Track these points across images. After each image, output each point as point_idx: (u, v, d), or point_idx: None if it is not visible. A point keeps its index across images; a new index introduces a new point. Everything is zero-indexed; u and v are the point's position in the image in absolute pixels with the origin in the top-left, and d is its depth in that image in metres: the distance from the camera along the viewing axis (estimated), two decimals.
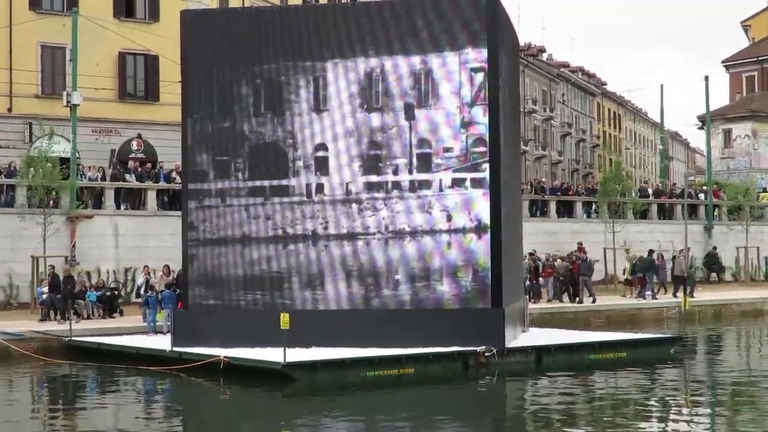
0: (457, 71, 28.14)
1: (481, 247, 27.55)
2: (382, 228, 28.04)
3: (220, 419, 21.88)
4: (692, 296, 42.57)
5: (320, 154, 28.59)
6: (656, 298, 41.39)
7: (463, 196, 27.82)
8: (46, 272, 34.52)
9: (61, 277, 33.28)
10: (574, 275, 40.65)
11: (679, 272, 44.12)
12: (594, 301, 39.90)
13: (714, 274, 52.41)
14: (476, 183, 27.78)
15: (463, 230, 27.68)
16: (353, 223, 28.20)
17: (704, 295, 43.74)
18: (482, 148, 27.85)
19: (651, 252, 45.22)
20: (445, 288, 27.44)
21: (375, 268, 27.88)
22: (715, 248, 52.20)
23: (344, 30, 28.79)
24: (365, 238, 28.09)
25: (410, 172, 28.16)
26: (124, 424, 21.52)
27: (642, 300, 41.60)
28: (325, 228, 28.25)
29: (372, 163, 28.40)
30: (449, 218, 27.76)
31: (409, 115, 28.33)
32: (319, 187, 28.44)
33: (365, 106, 28.54)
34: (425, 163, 28.14)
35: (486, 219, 27.52)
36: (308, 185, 28.47)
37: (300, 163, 28.59)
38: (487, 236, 27.46)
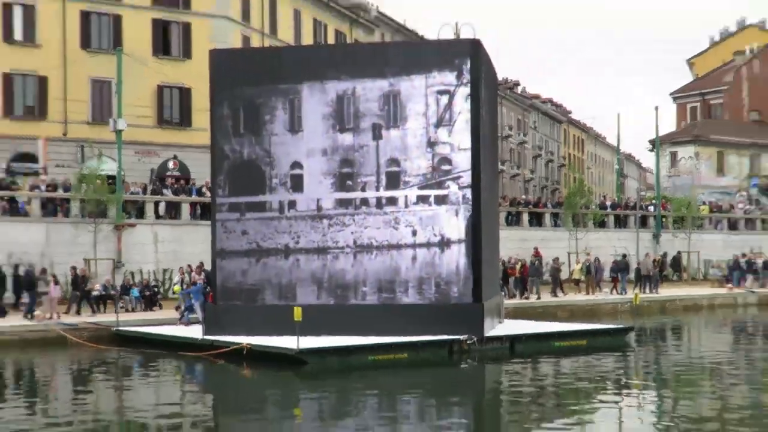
0: (424, 94, 27.72)
1: (444, 260, 27.16)
2: (350, 242, 27.68)
3: (245, 395, 22.12)
4: (657, 292, 43.65)
5: (295, 171, 28.19)
6: (626, 293, 42.09)
7: (428, 212, 27.42)
8: (90, 271, 34.78)
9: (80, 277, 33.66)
10: (524, 276, 40.89)
11: (645, 272, 44.85)
12: (538, 298, 39.91)
13: (677, 274, 53.10)
14: (440, 199, 27.35)
15: (428, 245, 27.25)
16: (324, 238, 27.77)
17: (648, 293, 44.00)
18: (447, 167, 27.45)
19: (624, 256, 46.42)
20: (410, 299, 27.21)
21: (344, 281, 27.60)
22: (679, 253, 52.68)
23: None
24: (334, 252, 27.79)
25: (377, 189, 27.77)
26: (163, 399, 21.79)
27: (618, 295, 42.23)
28: (297, 242, 27.87)
29: (343, 180, 27.97)
30: (414, 233, 27.33)
31: (377, 135, 27.83)
32: (292, 204, 28.01)
33: (337, 127, 28.08)
34: (393, 180, 27.66)
35: (449, 234, 27.11)
36: (281, 202, 28.06)
37: (276, 181, 28.20)
38: (450, 250, 27.08)
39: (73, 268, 34.16)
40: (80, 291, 33.42)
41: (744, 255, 50.28)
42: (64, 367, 26.92)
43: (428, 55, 29.01)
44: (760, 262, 49.92)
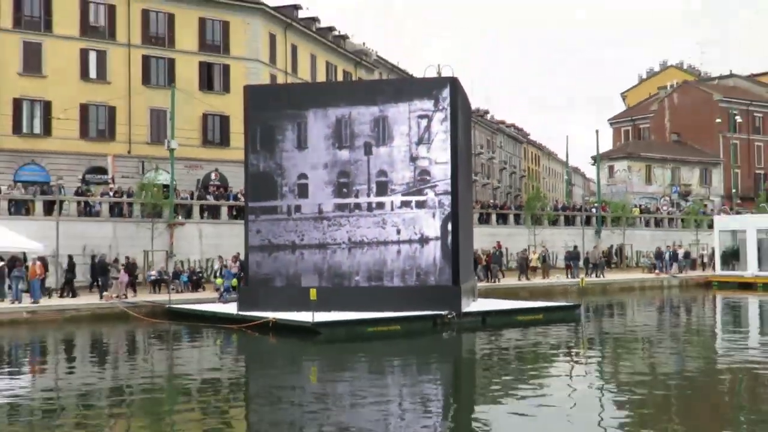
0: (407, 118, 27.60)
1: (423, 254, 26.97)
2: (346, 239, 27.50)
3: (271, 358, 21.92)
4: (603, 277, 43.79)
5: (302, 181, 28.12)
6: (580, 277, 41.47)
7: (410, 214, 27.26)
8: (145, 261, 34.58)
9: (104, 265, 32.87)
10: (488, 264, 40.80)
11: (593, 260, 44.78)
12: (499, 281, 39.79)
13: (615, 263, 52.82)
14: (420, 204, 27.23)
15: (409, 242, 27.14)
16: (324, 236, 27.63)
17: (594, 277, 43.78)
18: (426, 177, 27.26)
19: (575, 247, 46.42)
20: (394, 285, 27.01)
21: (341, 271, 27.41)
22: (621, 245, 52.19)
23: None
24: (332, 248, 27.56)
25: (368, 195, 27.59)
26: (206, 362, 21.57)
27: (573, 279, 41.93)
28: (301, 239, 27.74)
29: (340, 188, 27.76)
30: (398, 232, 27.23)
31: (369, 152, 27.70)
32: (298, 208, 27.90)
33: (336, 145, 27.97)
34: (381, 188, 27.50)
35: (427, 232, 26.95)
36: (289, 206, 27.94)
37: (286, 189, 28.10)
38: (429, 246, 26.91)
39: (127, 258, 33.93)
40: (132, 276, 32.95)
41: (668, 247, 50.09)
42: (125, 336, 26.65)
43: (412, 88, 29.28)
44: (681, 252, 49.92)
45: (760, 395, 16.13)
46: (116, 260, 33.50)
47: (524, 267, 42.24)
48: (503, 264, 43.17)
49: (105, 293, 30.97)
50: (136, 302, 30.37)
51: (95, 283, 33.20)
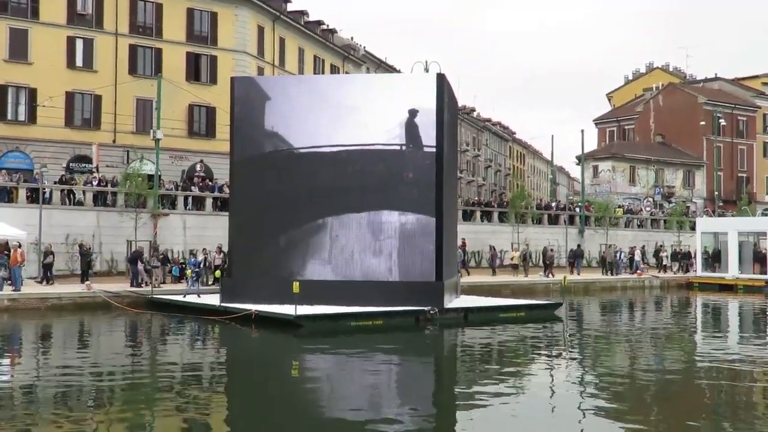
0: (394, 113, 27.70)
1: (407, 250, 26.99)
2: (330, 233, 27.44)
3: (253, 350, 21.87)
4: (619, 275, 45.69)
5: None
6: (580, 274, 42.87)
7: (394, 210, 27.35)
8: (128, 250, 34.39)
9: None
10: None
11: (610, 259, 47.11)
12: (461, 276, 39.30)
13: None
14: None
15: (394, 237, 27.13)
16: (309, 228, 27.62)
17: (610, 276, 44.43)
18: (410, 173, 27.37)
19: (579, 246, 48.29)
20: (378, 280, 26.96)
21: (324, 264, 27.41)
22: (610, 246, 51.39)
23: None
24: (317, 241, 27.48)
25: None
26: (187, 355, 21.48)
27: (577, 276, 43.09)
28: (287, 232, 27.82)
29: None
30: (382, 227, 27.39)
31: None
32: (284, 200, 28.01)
33: None
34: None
35: (411, 228, 27.07)
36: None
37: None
38: (413, 242, 26.97)
39: (81, 245, 34.07)
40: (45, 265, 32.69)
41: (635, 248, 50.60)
42: (106, 325, 26.50)
43: (399, 83, 29.27)
44: (664, 255, 50.31)
45: (737, 392, 16.27)
46: (156, 249, 34.38)
47: (494, 265, 43.40)
48: (465, 262, 42.96)
49: (87, 282, 30.80)
50: (118, 292, 30.20)
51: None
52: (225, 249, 31.20)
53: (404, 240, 27.18)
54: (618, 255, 47.65)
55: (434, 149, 27.38)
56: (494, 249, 44.86)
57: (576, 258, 45.34)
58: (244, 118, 28.56)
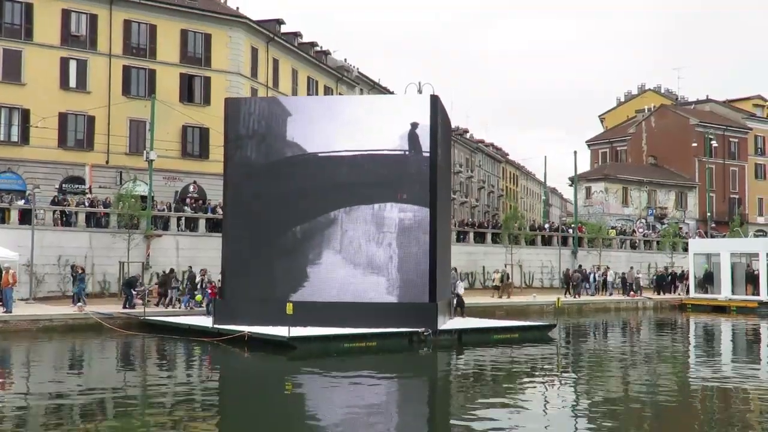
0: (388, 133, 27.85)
1: (400, 271, 26.92)
2: (323, 254, 27.45)
3: (245, 372, 21.77)
4: (641, 295, 46.78)
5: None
6: (593, 295, 44.68)
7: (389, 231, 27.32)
8: (122, 272, 34.29)
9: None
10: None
11: (630, 281, 47.72)
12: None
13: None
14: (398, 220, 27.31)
15: (388, 258, 27.13)
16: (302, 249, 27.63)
17: (570, 297, 44.01)
18: (404, 193, 27.33)
19: (580, 266, 49.07)
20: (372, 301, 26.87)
21: (317, 285, 27.34)
22: (608, 267, 50.68)
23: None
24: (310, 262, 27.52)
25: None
26: (180, 376, 21.37)
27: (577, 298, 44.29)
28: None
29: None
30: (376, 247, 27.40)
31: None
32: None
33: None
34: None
35: (405, 249, 27.02)
36: None
37: None
38: (406, 263, 26.90)
39: (72, 266, 34.04)
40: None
41: (595, 267, 50.83)
42: (98, 347, 26.37)
43: (393, 105, 29.33)
44: (641, 276, 50.64)
45: (730, 414, 16.26)
46: (172, 271, 34.73)
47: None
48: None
49: (79, 303, 30.72)
50: (111, 313, 30.09)
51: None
52: (211, 271, 31.00)
53: (397, 261, 27.12)
54: (592, 276, 47.76)
55: (428, 171, 27.37)
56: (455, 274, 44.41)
57: (583, 281, 46.41)
58: (238, 139, 28.60)
